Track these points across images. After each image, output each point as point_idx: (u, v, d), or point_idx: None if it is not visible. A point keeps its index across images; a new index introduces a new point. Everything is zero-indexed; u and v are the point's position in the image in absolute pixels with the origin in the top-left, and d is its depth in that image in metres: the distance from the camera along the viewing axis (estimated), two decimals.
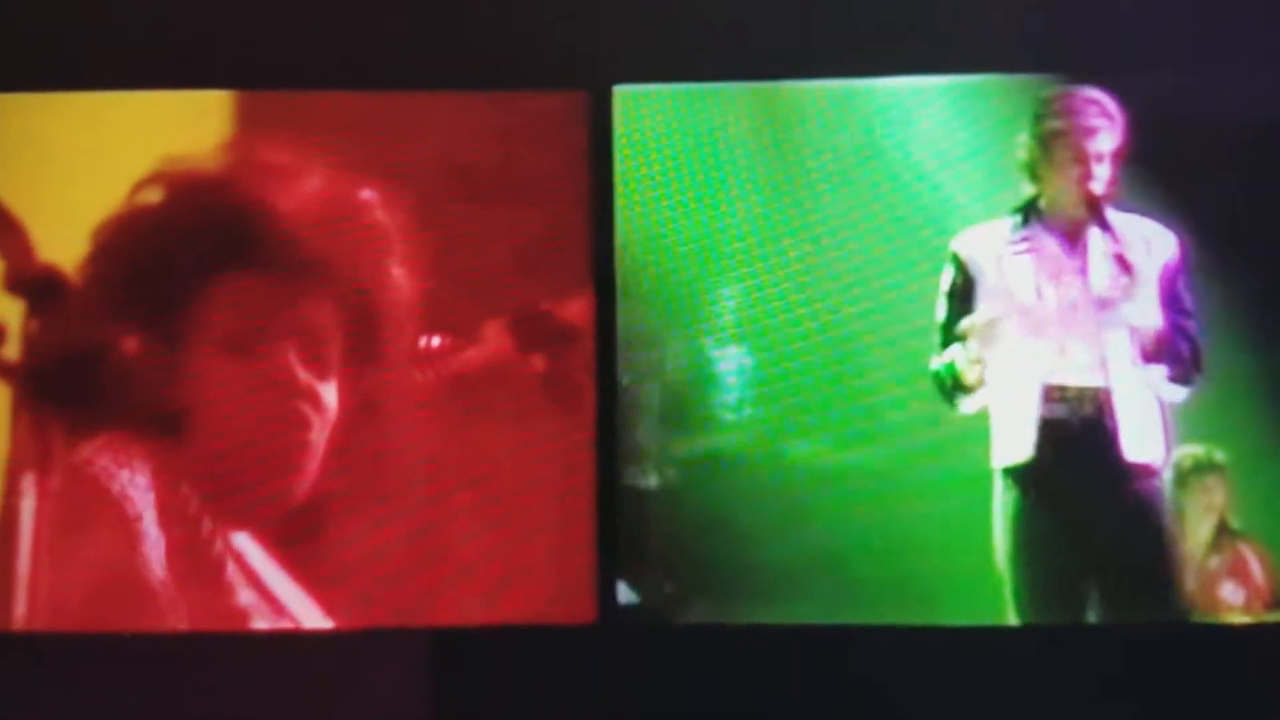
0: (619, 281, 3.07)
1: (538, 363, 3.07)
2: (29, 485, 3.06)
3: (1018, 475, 3.03)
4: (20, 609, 3.05)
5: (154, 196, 3.18)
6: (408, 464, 3.08)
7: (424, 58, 3.16)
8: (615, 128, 3.10)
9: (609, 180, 3.09)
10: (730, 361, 3.08)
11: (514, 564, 3.03)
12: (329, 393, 3.08)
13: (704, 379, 3.09)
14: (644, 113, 3.12)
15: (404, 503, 3.06)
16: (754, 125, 3.12)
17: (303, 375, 3.07)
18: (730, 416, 3.06)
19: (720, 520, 3.04)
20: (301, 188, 3.15)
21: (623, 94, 3.12)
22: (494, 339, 3.09)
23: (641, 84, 3.12)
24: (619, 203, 3.09)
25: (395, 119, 3.17)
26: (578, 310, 3.09)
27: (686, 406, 3.08)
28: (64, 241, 3.14)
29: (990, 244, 3.08)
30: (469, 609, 3.03)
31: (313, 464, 3.05)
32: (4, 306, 3.13)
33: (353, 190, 3.14)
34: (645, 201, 3.10)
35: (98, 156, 3.18)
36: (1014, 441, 3.05)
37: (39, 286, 3.15)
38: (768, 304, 3.09)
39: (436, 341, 3.08)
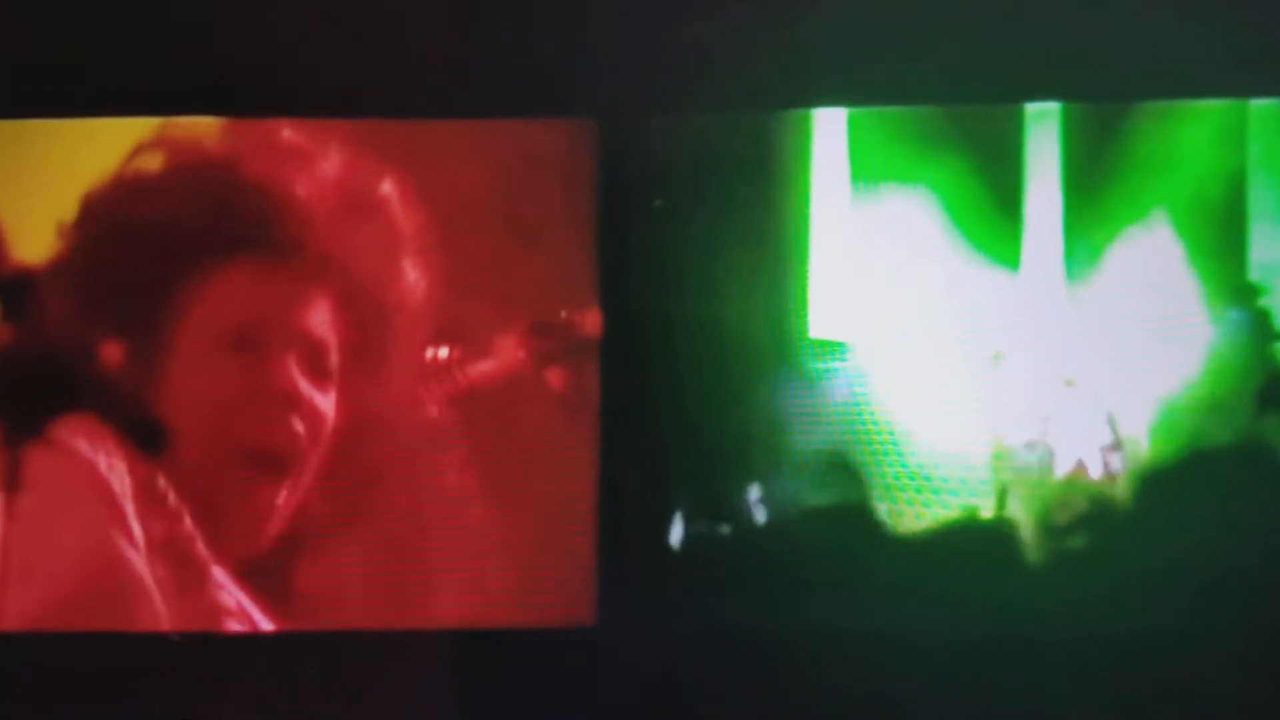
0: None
1: (550, 377, 3.09)
2: None
3: None
4: None
5: (152, 163, 3.02)
6: (407, 471, 3.03)
7: (427, 86, 3.14)
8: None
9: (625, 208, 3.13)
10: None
11: (514, 569, 3.05)
12: (327, 404, 3.00)
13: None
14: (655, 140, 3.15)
15: (400, 510, 3.02)
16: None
17: (303, 385, 2.98)
18: None
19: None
20: (316, 173, 3.02)
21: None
22: (507, 350, 3.08)
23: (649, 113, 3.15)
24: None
25: (401, 148, 3.08)
26: (588, 324, 3.10)
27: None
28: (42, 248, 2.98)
29: None
30: (469, 613, 3.05)
31: (301, 482, 2.97)
32: None
33: (372, 182, 3.03)
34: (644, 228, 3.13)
35: (77, 179, 3.00)
36: None
37: (11, 288, 2.99)
38: None
39: (445, 353, 3.07)
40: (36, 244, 3.03)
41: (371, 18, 3.17)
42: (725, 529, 3.12)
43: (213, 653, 3.04)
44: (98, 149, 3.05)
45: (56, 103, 3.09)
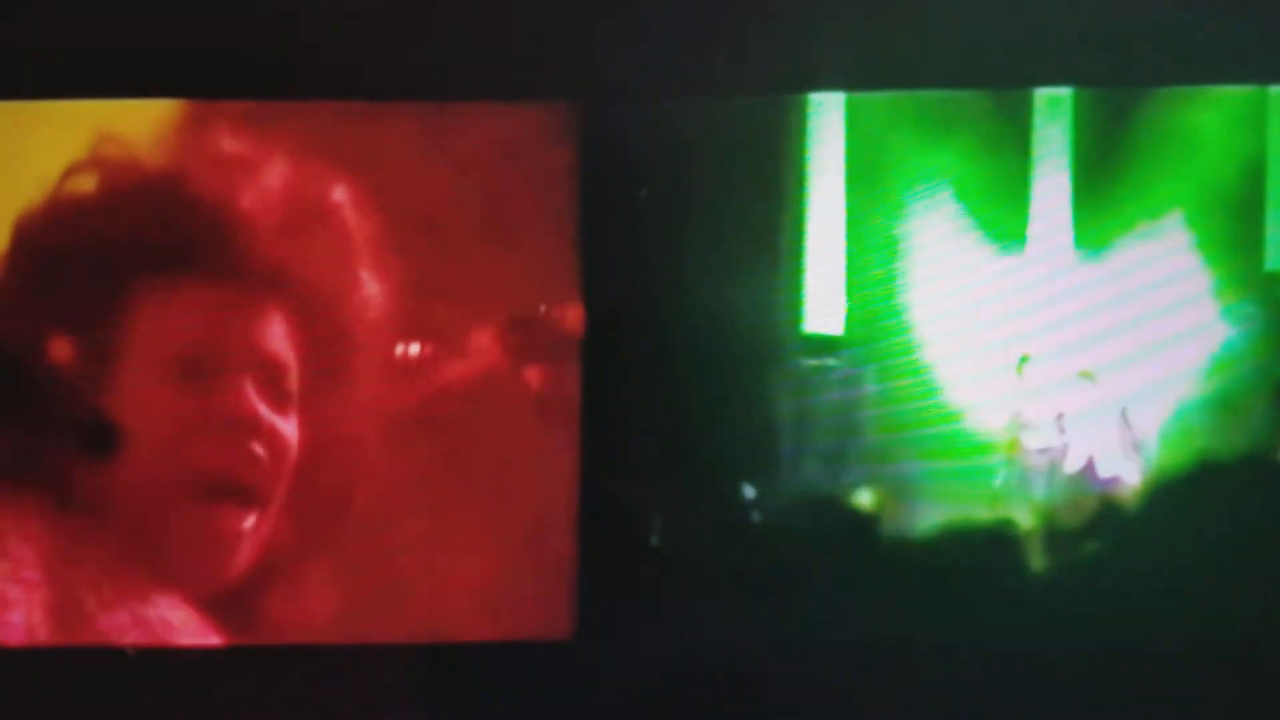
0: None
1: (526, 375, 2.98)
2: None
3: None
4: None
5: (86, 184, 2.88)
6: (378, 484, 2.92)
7: (396, 66, 3.00)
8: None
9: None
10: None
11: (489, 580, 2.96)
12: (289, 428, 2.89)
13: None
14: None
15: (371, 524, 2.92)
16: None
17: (262, 410, 2.86)
18: None
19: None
20: (261, 184, 2.89)
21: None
22: (482, 350, 2.97)
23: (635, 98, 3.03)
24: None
25: (377, 130, 2.95)
26: (569, 320, 2.99)
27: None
28: None
29: None
30: (446, 625, 2.97)
31: (269, 511, 2.87)
32: None
33: (329, 196, 2.91)
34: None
35: (24, 163, 2.87)
36: None
37: None
38: None
39: (416, 349, 2.94)
40: None
41: None
42: (712, 535, 3.02)
43: (177, 668, 2.94)
44: (54, 133, 2.91)
45: (9, 86, 2.96)
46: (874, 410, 3.08)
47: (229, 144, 2.92)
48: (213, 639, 2.90)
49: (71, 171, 2.88)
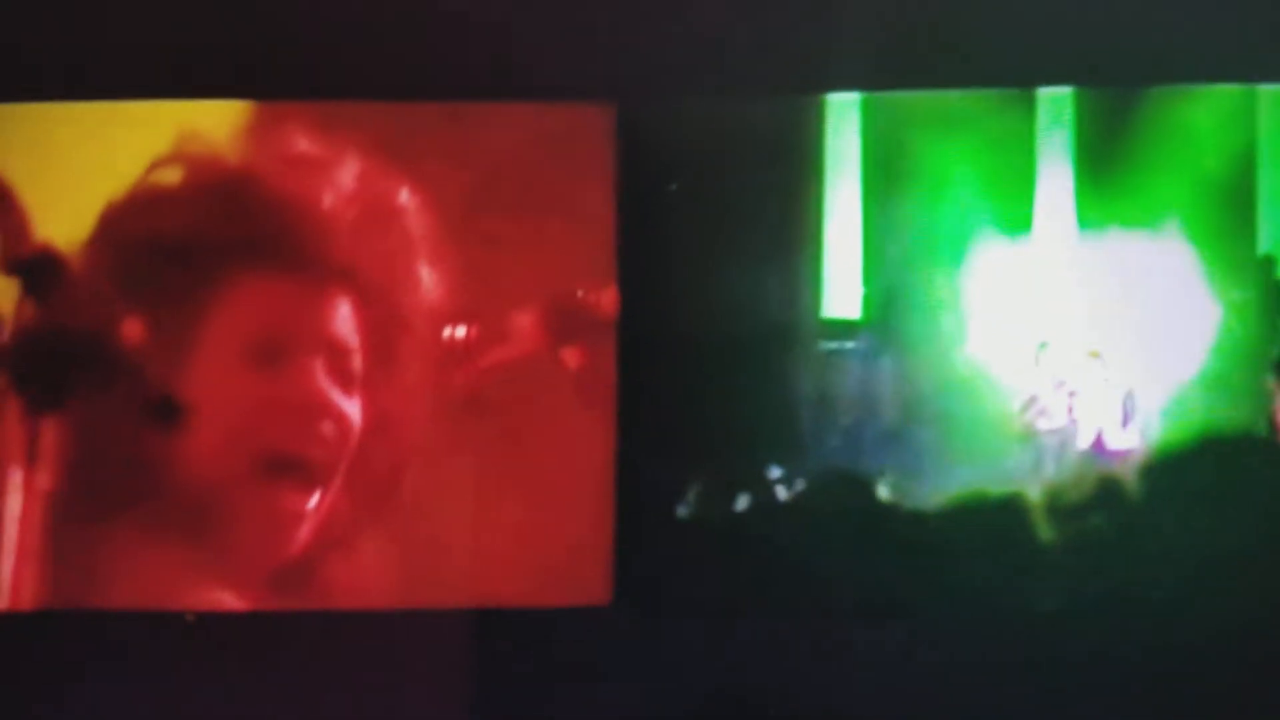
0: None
1: (566, 356, 3.07)
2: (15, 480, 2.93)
3: None
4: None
5: (171, 178, 3.00)
6: (428, 460, 3.02)
7: (445, 69, 3.12)
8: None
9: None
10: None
11: (530, 548, 3.04)
12: (354, 408, 3.00)
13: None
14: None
15: (419, 497, 3.02)
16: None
17: (331, 391, 2.97)
18: None
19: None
20: (333, 185, 3.01)
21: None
22: (524, 332, 3.07)
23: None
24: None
25: (425, 129, 3.07)
26: (604, 304, 3.09)
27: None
28: (68, 229, 2.97)
29: None
30: (490, 592, 3.05)
31: (332, 486, 2.97)
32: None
33: (390, 192, 3.03)
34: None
35: (109, 161, 3.00)
36: None
37: (35, 268, 2.96)
38: None
39: (463, 331, 3.05)
40: (62, 225, 3.02)
41: (388, 3, 3.16)
42: (741, 507, 3.11)
43: (238, 632, 3.04)
44: (123, 132, 3.06)
45: (82, 86, 3.09)
46: (890, 390, 3.18)
47: (301, 143, 3.05)
48: (275, 605, 3.02)
49: (156, 166, 3.01)
